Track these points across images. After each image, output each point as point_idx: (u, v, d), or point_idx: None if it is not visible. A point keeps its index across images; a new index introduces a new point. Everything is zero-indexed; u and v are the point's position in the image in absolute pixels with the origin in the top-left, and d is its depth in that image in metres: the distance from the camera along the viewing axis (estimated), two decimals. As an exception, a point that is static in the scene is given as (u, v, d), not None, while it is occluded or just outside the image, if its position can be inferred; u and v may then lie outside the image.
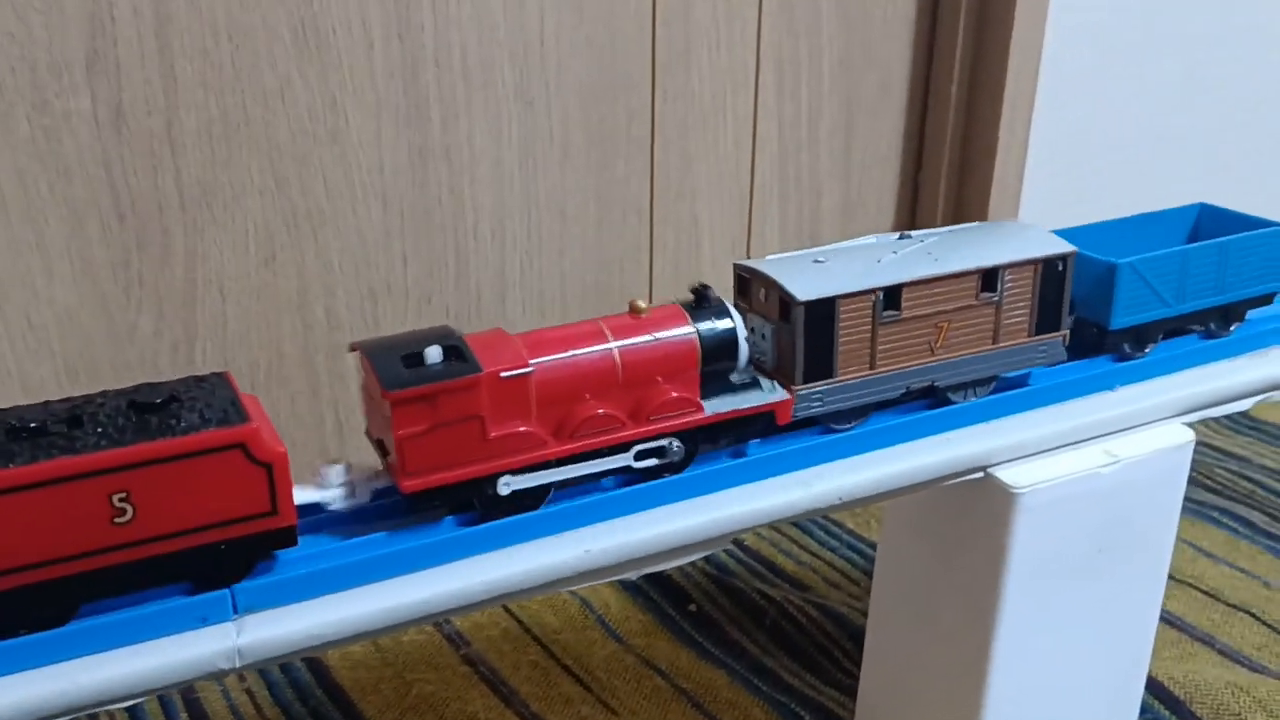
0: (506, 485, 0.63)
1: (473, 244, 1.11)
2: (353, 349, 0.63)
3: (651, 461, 0.67)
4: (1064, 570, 0.78)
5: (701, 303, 0.69)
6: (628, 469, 0.66)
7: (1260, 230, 0.84)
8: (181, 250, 0.99)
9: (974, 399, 0.77)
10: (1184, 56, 1.53)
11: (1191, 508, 1.28)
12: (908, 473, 0.71)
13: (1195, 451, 1.41)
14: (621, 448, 0.66)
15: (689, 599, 1.12)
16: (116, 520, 0.53)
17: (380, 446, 0.64)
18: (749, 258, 1.29)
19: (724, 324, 0.68)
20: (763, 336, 0.72)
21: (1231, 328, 0.86)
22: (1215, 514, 1.27)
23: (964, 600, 0.79)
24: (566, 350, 0.64)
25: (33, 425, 0.54)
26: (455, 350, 0.61)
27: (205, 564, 0.56)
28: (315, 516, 0.63)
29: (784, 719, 0.97)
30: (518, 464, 0.63)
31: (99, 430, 0.54)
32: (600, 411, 0.65)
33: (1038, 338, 0.77)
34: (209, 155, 0.97)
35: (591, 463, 0.65)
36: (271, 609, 0.58)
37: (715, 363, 0.68)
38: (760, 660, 1.04)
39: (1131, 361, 0.81)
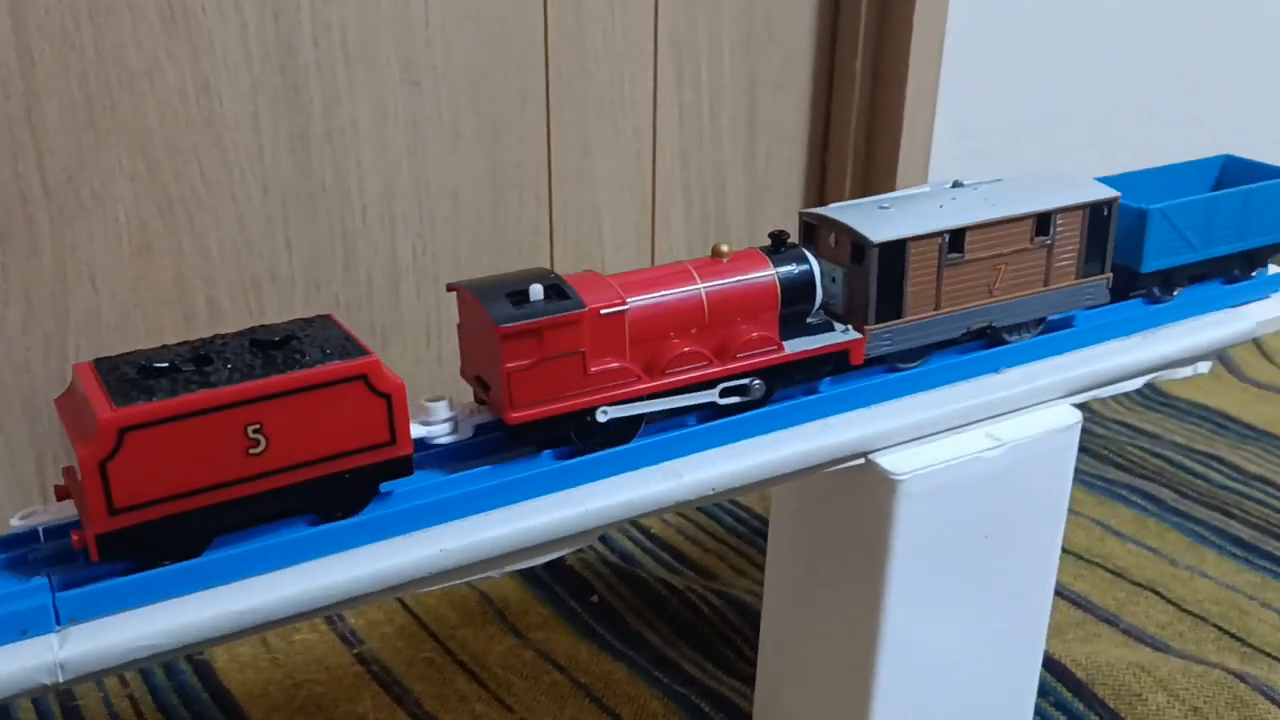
0: (604, 414, 0.66)
1: (361, 229, 1.07)
2: (450, 289, 0.66)
3: (735, 399, 0.70)
4: (950, 556, 0.76)
5: (779, 247, 0.72)
6: (713, 405, 0.70)
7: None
8: (49, 241, 0.95)
9: (1027, 338, 0.81)
10: (1088, 27, 1.53)
11: (1101, 486, 1.28)
12: (784, 460, 0.69)
13: (1107, 428, 1.42)
14: (708, 384, 0.69)
15: (591, 590, 1.10)
16: (250, 451, 0.55)
17: (480, 383, 0.67)
18: (653, 243, 1.27)
19: (802, 267, 0.71)
20: (832, 280, 0.75)
21: (1254, 273, 0.90)
22: (1125, 492, 1.27)
23: (851, 588, 0.77)
24: (658, 290, 0.68)
25: (163, 364, 0.56)
26: (556, 289, 0.64)
27: (329, 494, 0.59)
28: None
29: (683, 710, 0.95)
30: (615, 398, 0.66)
31: (228, 367, 0.56)
32: (688, 350, 0.68)
33: (1085, 280, 0.81)
34: (74, 141, 0.93)
35: (681, 397, 0.68)
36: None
37: (793, 304, 0.71)
38: (662, 651, 1.02)
39: (1016, 344, 0.80)
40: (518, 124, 1.12)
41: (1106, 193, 0.80)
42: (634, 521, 0.70)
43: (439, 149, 1.09)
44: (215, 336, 0.59)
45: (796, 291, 0.71)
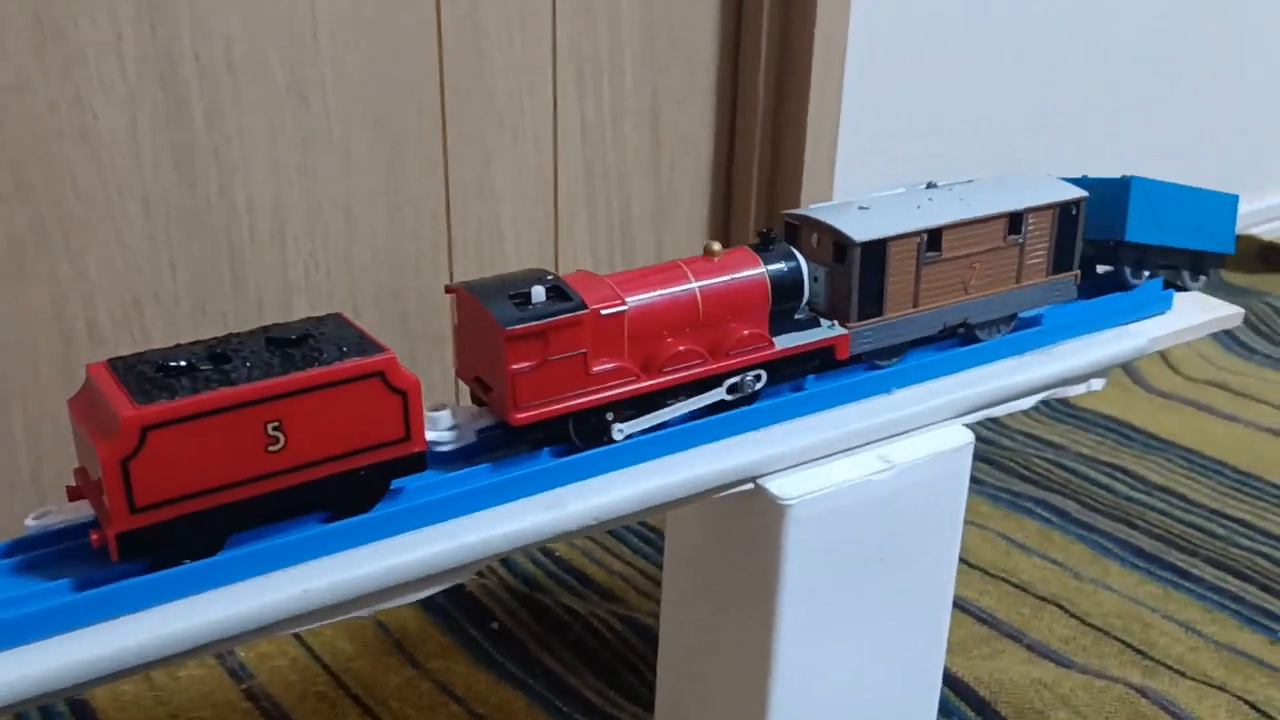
0: (620, 431, 0.68)
1: (250, 247, 1.04)
2: (449, 291, 0.67)
3: (738, 395, 0.72)
4: (844, 579, 0.75)
5: (768, 245, 0.73)
6: (721, 403, 0.71)
7: (1227, 194, 0.96)
8: (-88, 262, 0.91)
9: (999, 335, 0.83)
10: (990, 38, 1.54)
11: (1007, 499, 1.28)
12: (670, 487, 0.67)
13: (1014, 440, 1.42)
14: (706, 382, 0.70)
15: (491, 617, 1.07)
16: (270, 449, 0.56)
17: (480, 384, 0.67)
18: (558, 256, 1.25)
19: (791, 264, 0.73)
20: (815, 279, 0.75)
21: (1200, 279, 0.93)
22: (1030, 504, 1.27)
23: (744, 612, 0.76)
24: (655, 289, 0.69)
25: (182, 363, 0.56)
26: (558, 290, 0.65)
27: (345, 491, 0.59)
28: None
29: (583, 740, 0.93)
30: (615, 397, 0.67)
31: (247, 365, 0.56)
32: (683, 348, 0.69)
33: (1054, 277, 0.84)
34: (-63, 158, 0.89)
35: (690, 401, 0.70)
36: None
37: (782, 301, 0.73)
38: (563, 679, 1.00)
39: (906, 364, 0.79)
40: (413, 137, 1.10)
41: (1075, 193, 0.83)
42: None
43: (330, 163, 1.06)
44: (230, 335, 0.59)
45: (786, 288, 0.73)
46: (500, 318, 0.62)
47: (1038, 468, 1.35)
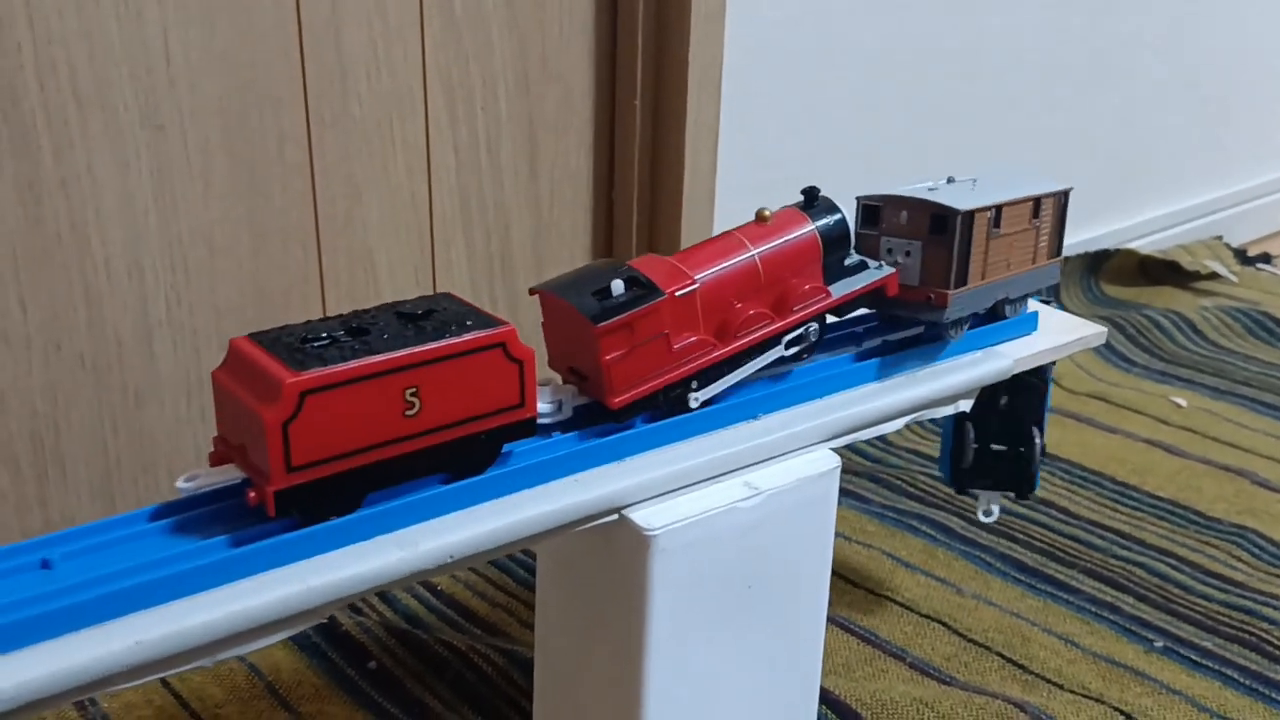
0: (695, 399, 0.73)
1: (105, 284, 1.00)
2: (533, 292, 0.71)
3: (794, 349, 0.77)
4: (713, 609, 0.74)
5: (812, 203, 0.79)
6: (780, 360, 0.77)
7: None
8: None
9: (1017, 314, 0.90)
10: (865, 62, 1.56)
11: (893, 517, 1.29)
12: (530, 521, 0.66)
13: (900, 457, 1.43)
14: (773, 340, 0.76)
15: (369, 656, 1.04)
16: (407, 414, 0.60)
17: (573, 373, 0.72)
18: (435, 286, 1.23)
19: (835, 216, 0.78)
20: (906, 254, 0.81)
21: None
22: (915, 521, 1.28)
23: (614, 643, 0.74)
24: (719, 263, 0.73)
25: (325, 336, 0.60)
26: (634, 279, 0.69)
27: (466, 453, 0.64)
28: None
29: (461, 781, 0.91)
30: (698, 367, 0.72)
31: (384, 336, 0.60)
32: (753, 311, 0.74)
33: (1054, 260, 0.91)
34: None
35: (751, 364, 0.75)
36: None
37: (833, 252, 0.78)
38: (442, 717, 0.97)
39: (776, 387, 0.78)
40: (278, 168, 1.07)
41: (1065, 184, 0.91)
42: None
43: (189, 196, 1.02)
44: (359, 311, 0.64)
45: (834, 240, 0.78)
46: (589, 313, 0.67)
47: (923, 485, 1.36)
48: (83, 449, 1.04)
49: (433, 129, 1.15)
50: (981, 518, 1.06)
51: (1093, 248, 2.08)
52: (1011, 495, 1.04)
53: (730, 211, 1.36)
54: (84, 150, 0.96)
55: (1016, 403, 0.97)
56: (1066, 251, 2.04)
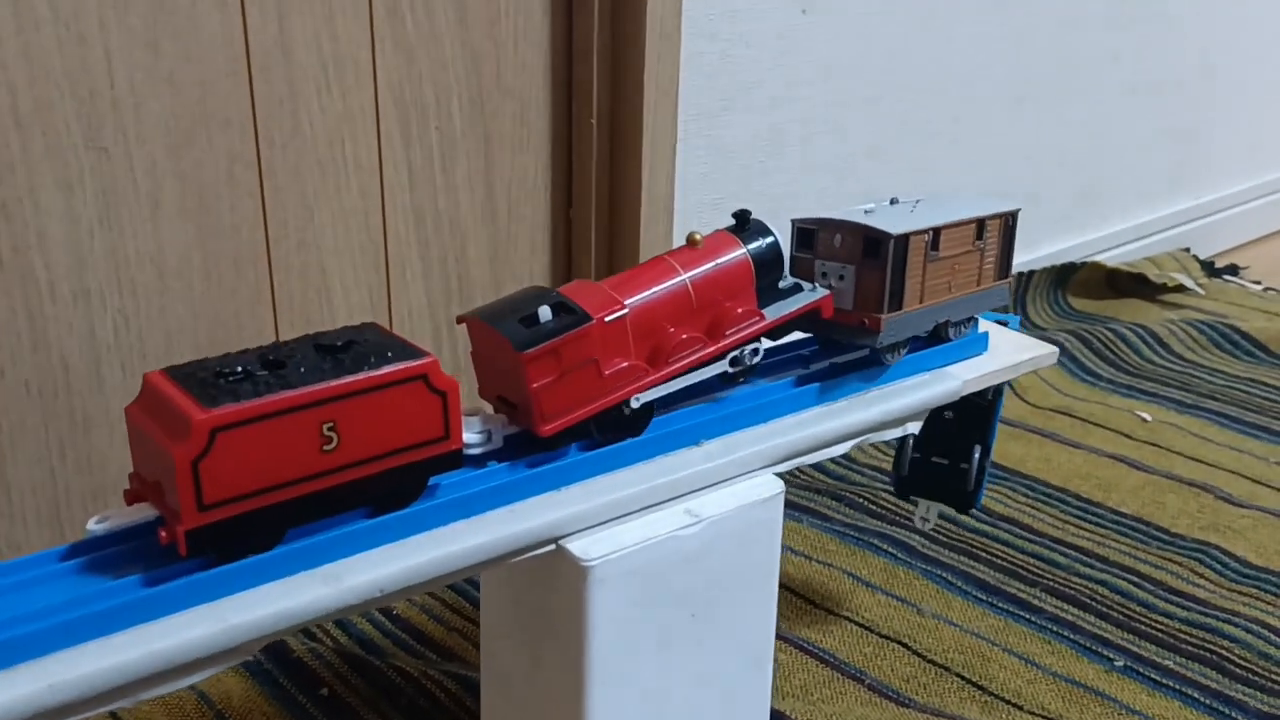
0: (634, 403, 0.72)
1: (50, 309, 0.99)
2: (460, 321, 0.70)
3: (740, 367, 0.76)
4: (656, 637, 0.73)
5: (744, 225, 0.78)
6: (724, 374, 0.76)
7: None
8: None
9: (962, 336, 0.89)
10: (824, 81, 1.55)
11: (854, 536, 1.28)
12: (463, 554, 0.65)
13: (863, 475, 1.42)
14: (708, 364, 0.75)
15: (321, 682, 1.03)
16: (325, 448, 0.60)
17: (503, 402, 0.71)
18: (390, 306, 1.22)
19: (768, 240, 0.78)
20: (840, 278, 0.81)
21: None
22: (876, 540, 1.27)
23: (555, 673, 0.74)
24: (649, 288, 0.73)
25: (240, 370, 0.59)
26: (561, 305, 0.69)
27: (388, 487, 0.63)
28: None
29: (410, 811, 0.89)
30: (629, 393, 0.71)
31: (301, 370, 0.59)
32: (685, 336, 0.73)
33: (1000, 282, 0.91)
34: None
35: (694, 374, 0.74)
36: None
37: (766, 275, 0.77)
38: (393, 745, 0.96)
39: (718, 412, 0.77)
40: (227, 189, 1.06)
41: (1012, 206, 0.90)
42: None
43: (136, 218, 1.01)
44: (278, 343, 0.63)
45: (767, 263, 0.77)
46: (515, 340, 0.66)
47: (885, 503, 1.35)
48: (29, 477, 1.02)
49: (385, 149, 1.15)
50: (917, 523, 1.06)
51: (1060, 260, 2.09)
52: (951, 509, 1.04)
53: (689, 229, 1.36)
54: (25, 174, 0.94)
55: (961, 419, 0.97)
56: (1034, 264, 2.05)
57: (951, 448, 1.00)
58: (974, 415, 0.97)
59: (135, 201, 1.01)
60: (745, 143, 1.46)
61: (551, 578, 0.70)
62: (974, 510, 1.31)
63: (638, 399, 0.72)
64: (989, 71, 1.81)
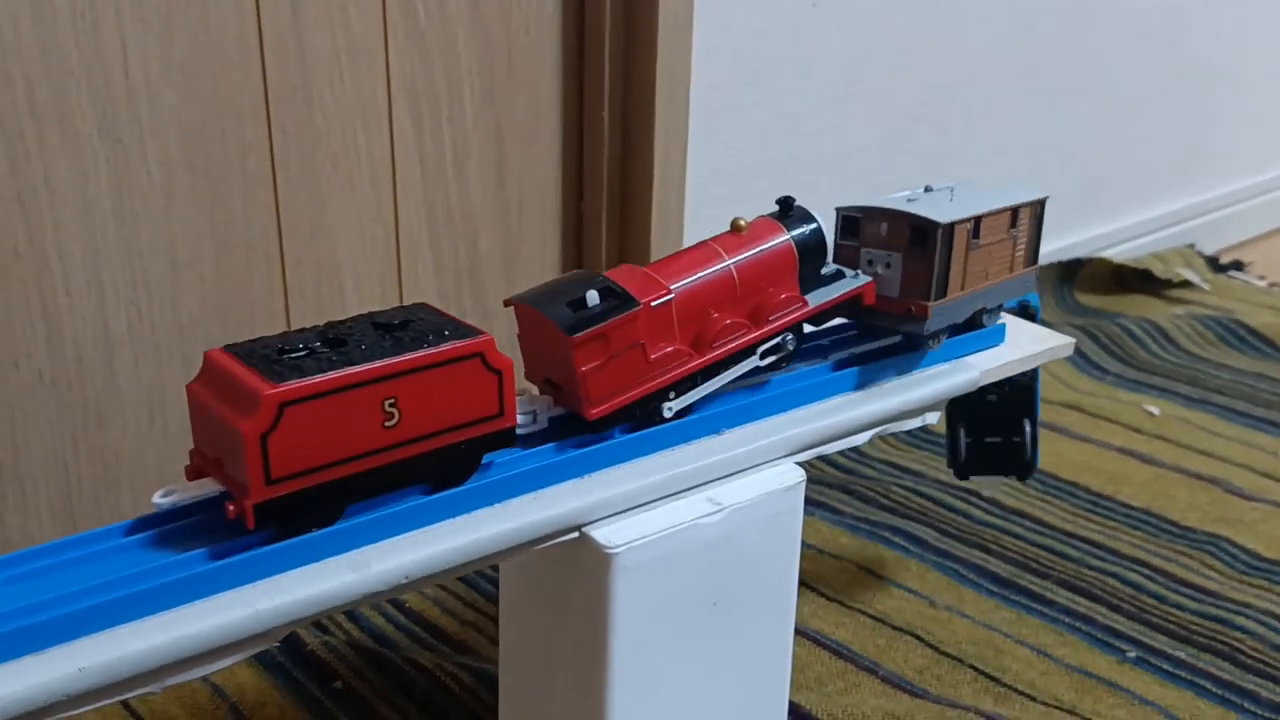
0: (669, 409, 0.72)
1: (65, 299, 0.99)
2: (508, 304, 0.71)
3: (771, 358, 0.77)
4: (677, 626, 0.73)
5: (788, 212, 0.78)
6: (755, 370, 0.76)
7: None
8: None
9: (994, 323, 0.89)
10: (833, 74, 1.55)
11: (866, 529, 1.28)
12: (488, 540, 0.65)
13: (874, 468, 1.42)
14: (750, 350, 0.75)
15: (335, 675, 1.03)
16: (386, 424, 0.60)
17: (549, 385, 0.71)
18: (402, 298, 1.22)
19: (812, 226, 0.78)
20: (886, 266, 0.81)
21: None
22: (888, 533, 1.27)
23: (577, 661, 0.73)
24: (695, 273, 0.73)
25: (302, 347, 0.60)
26: (609, 290, 0.69)
27: (446, 463, 0.64)
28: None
29: (427, 802, 0.89)
30: (675, 377, 0.72)
31: (362, 347, 0.60)
32: (729, 321, 0.73)
33: (1029, 269, 0.91)
34: None
35: (727, 372, 0.74)
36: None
37: (809, 262, 0.77)
38: (408, 737, 0.96)
39: (740, 401, 0.77)
40: (239, 180, 1.06)
41: (1041, 194, 0.91)
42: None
43: (150, 209, 1.01)
44: (336, 322, 0.63)
45: (811, 249, 0.77)
46: (564, 324, 0.67)
47: (897, 495, 1.35)
48: (43, 468, 1.02)
49: (398, 139, 1.14)
50: (985, 493, 1.12)
51: (1066, 256, 2.09)
52: (1013, 479, 1.07)
53: (700, 221, 1.36)
54: (41, 164, 0.94)
55: (1007, 400, 1.00)
56: (1041, 259, 2.05)
57: (1001, 426, 1.03)
58: (1018, 394, 1.01)
59: (149, 192, 1.01)
60: (757, 135, 1.46)
61: (573, 565, 0.70)
62: (984, 499, 1.33)
63: (670, 408, 0.72)
64: (998, 66, 1.81)
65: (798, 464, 0.77)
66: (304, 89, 1.07)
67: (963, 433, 1.04)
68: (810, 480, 1.37)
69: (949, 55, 1.72)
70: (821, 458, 1.41)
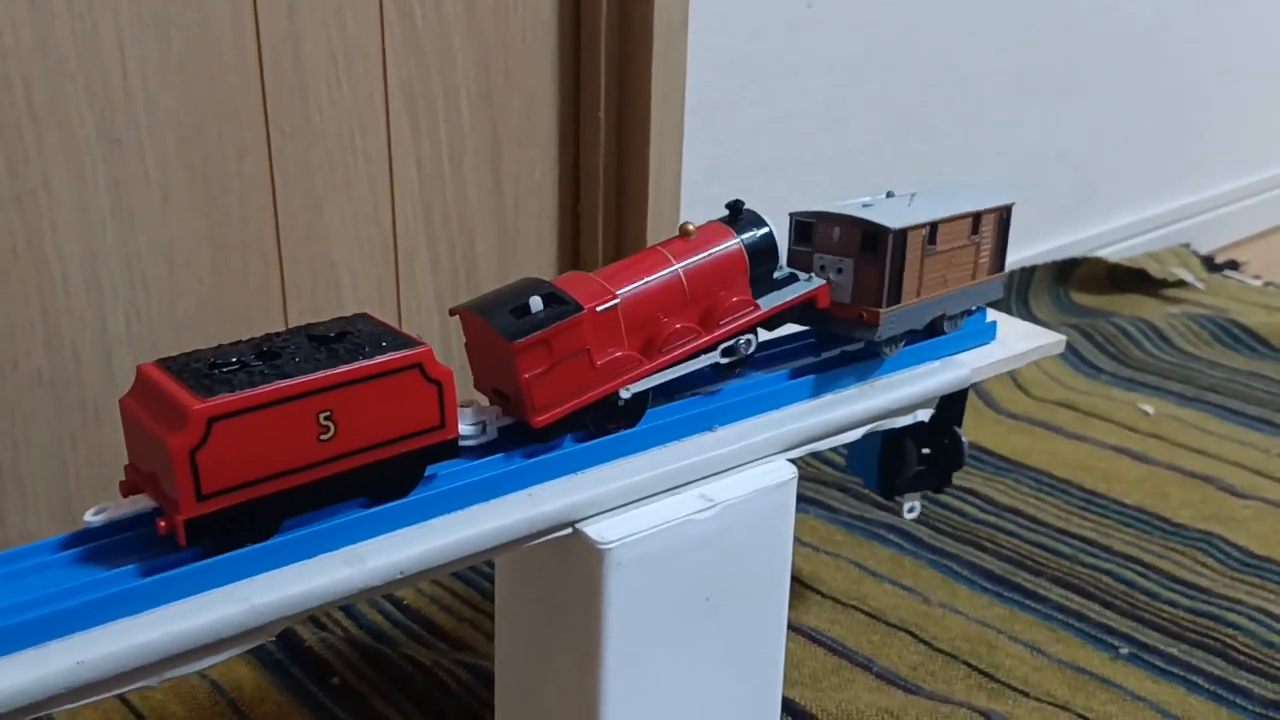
0: (621, 399, 0.71)
1: (63, 300, 0.99)
2: (453, 313, 0.70)
3: (733, 358, 0.77)
4: (670, 621, 0.74)
5: (737, 216, 0.78)
6: (718, 365, 0.76)
7: None
8: None
9: (956, 330, 0.89)
10: (829, 75, 1.56)
11: (861, 527, 1.29)
12: (481, 536, 0.66)
13: (868, 468, 1.43)
14: (701, 354, 0.75)
15: (332, 672, 1.03)
16: (322, 438, 0.59)
17: (497, 394, 0.71)
18: (399, 299, 1.23)
19: (762, 230, 0.78)
20: (838, 271, 0.80)
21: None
22: (883, 531, 1.28)
23: (571, 657, 0.74)
24: (642, 278, 0.73)
25: (235, 360, 0.59)
26: (552, 296, 0.68)
27: (385, 477, 0.63)
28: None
29: (424, 798, 0.90)
30: (623, 384, 0.71)
31: (296, 360, 0.59)
32: (678, 326, 0.73)
33: (995, 276, 0.90)
34: None
35: (686, 365, 0.74)
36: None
37: (760, 265, 0.77)
38: (405, 733, 0.97)
39: (731, 399, 0.78)
40: (236, 181, 1.06)
41: (1008, 199, 0.90)
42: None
43: (147, 210, 1.02)
44: (270, 335, 0.63)
45: (761, 253, 0.77)
46: (505, 331, 0.66)
47: (891, 494, 1.36)
48: (41, 467, 1.03)
49: (394, 141, 1.15)
50: (907, 515, 1.07)
51: (1061, 256, 2.09)
52: (931, 491, 1.06)
53: (697, 222, 1.36)
54: (39, 165, 0.95)
55: (942, 410, 0.98)
56: (1036, 259, 2.06)
57: (932, 437, 1.00)
58: (954, 402, 0.98)
59: (146, 193, 1.01)
60: (753, 136, 1.46)
61: (567, 561, 0.71)
62: (978, 496, 1.32)
63: (629, 390, 0.71)
64: (993, 67, 1.82)
65: (790, 461, 0.78)
66: (301, 91, 1.08)
67: (911, 445, 1.00)
68: (804, 478, 1.38)
69: (944, 56, 1.73)
70: (816, 455, 1.42)
